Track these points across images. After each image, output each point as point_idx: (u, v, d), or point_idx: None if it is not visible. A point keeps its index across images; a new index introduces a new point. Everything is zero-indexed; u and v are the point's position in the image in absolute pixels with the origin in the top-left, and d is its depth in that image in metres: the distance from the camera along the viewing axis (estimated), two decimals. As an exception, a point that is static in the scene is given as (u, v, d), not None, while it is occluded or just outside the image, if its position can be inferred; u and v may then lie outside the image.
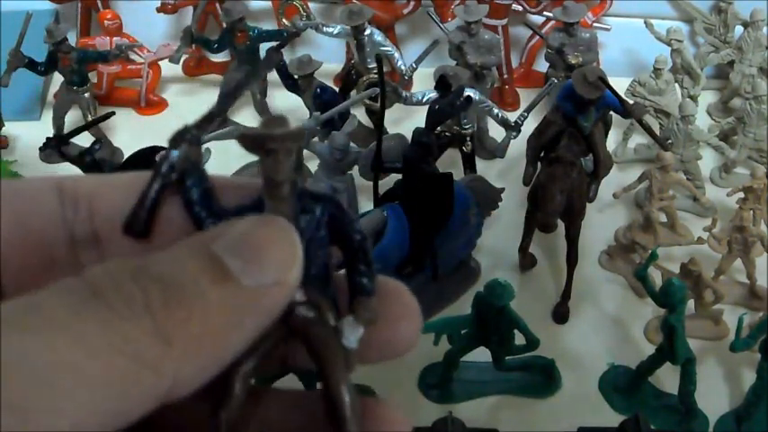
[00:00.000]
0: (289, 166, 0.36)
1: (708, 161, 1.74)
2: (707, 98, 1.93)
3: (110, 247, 0.38)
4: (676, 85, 1.81)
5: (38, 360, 0.29)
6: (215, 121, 0.38)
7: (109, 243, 0.38)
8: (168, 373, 0.31)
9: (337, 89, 1.78)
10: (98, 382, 0.30)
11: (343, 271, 0.39)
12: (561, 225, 1.48)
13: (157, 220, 0.38)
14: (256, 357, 0.36)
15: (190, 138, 0.37)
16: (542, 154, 1.46)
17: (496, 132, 1.71)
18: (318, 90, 1.66)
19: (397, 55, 1.77)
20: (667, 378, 1.34)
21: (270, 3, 1.98)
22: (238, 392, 0.36)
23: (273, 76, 1.83)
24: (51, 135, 1.67)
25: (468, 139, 1.62)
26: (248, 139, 0.35)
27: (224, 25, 1.84)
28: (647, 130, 1.43)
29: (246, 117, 1.94)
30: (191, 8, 1.94)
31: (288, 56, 1.84)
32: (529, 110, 1.58)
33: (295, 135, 0.35)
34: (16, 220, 0.36)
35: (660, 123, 1.74)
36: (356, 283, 0.38)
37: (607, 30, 1.94)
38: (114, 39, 1.86)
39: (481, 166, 1.68)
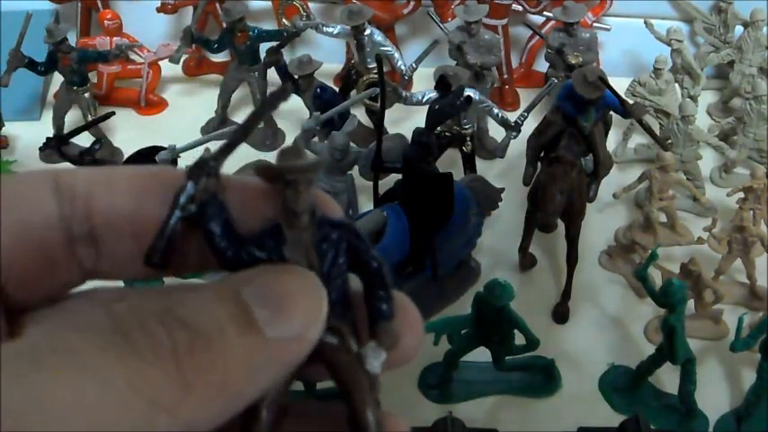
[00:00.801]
0: (308, 196, 0.36)
1: (708, 161, 1.74)
2: (707, 98, 1.93)
3: (107, 247, 0.38)
4: (676, 85, 1.81)
5: (56, 397, 0.29)
6: (232, 152, 0.38)
7: (106, 242, 0.38)
8: (184, 417, 0.31)
9: (337, 89, 1.78)
10: (112, 424, 0.30)
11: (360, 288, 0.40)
12: (561, 225, 1.48)
13: (177, 250, 0.38)
14: (282, 382, 0.37)
15: (208, 169, 0.37)
16: (542, 154, 1.46)
17: (496, 132, 1.71)
18: (318, 90, 1.66)
19: (397, 55, 1.77)
20: (667, 378, 1.34)
21: (270, 3, 1.98)
22: (265, 418, 0.37)
23: (273, 76, 1.83)
24: (51, 135, 1.67)
25: (468, 139, 1.62)
26: (267, 172, 0.36)
27: (224, 25, 1.84)
28: (647, 130, 1.43)
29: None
30: (191, 8, 1.94)
31: (288, 56, 1.84)
32: (529, 110, 1.58)
33: (314, 167, 0.36)
34: (18, 225, 0.36)
35: (660, 123, 1.74)
36: (376, 309, 0.39)
37: (607, 30, 1.94)
38: (114, 39, 1.86)
39: (481, 166, 1.68)
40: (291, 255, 0.37)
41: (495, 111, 1.58)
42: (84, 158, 1.53)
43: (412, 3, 1.95)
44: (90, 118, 1.73)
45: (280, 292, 0.34)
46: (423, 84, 1.70)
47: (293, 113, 1.85)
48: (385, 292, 0.39)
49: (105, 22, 1.87)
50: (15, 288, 0.36)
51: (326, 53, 1.87)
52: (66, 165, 1.49)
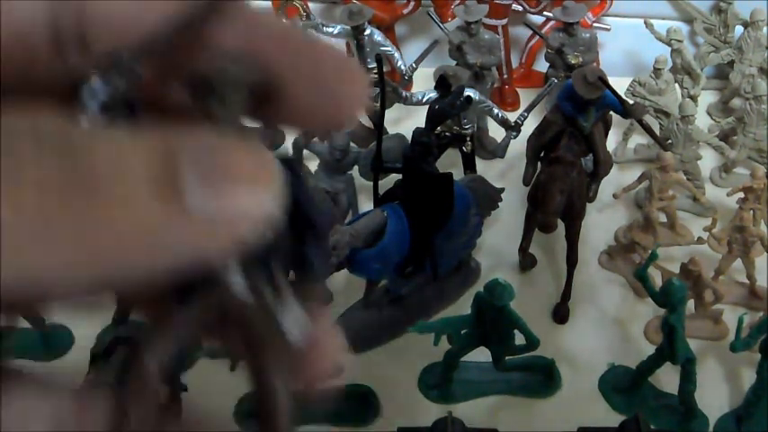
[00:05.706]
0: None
1: (708, 161, 1.74)
2: (707, 98, 1.93)
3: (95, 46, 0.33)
4: (676, 85, 1.81)
5: None
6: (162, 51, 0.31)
7: (95, 44, 0.33)
8: (24, 265, 0.24)
9: (337, 89, 1.78)
10: None
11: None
12: (561, 225, 1.48)
13: None
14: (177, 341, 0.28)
15: (123, 68, 0.29)
16: (542, 154, 1.47)
17: (496, 132, 1.71)
18: (318, 90, 1.66)
19: (397, 55, 1.77)
20: (667, 378, 1.34)
21: (270, 3, 1.98)
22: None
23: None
24: (51, 135, 1.67)
25: (468, 139, 1.62)
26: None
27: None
28: (647, 130, 1.44)
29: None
30: (191, 8, 1.94)
31: (288, 56, 1.84)
32: (529, 110, 1.58)
33: None
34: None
35: (660, 123, 1.75)
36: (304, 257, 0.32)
37: (607, 30, 1.94)
38: (114, 39, 1.86)
39: (481, 166, 1.68)
40: None
41: (495, 111, 1.58)
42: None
43: (412, 3, 1.95)
44: (90, 118, 1.73)
45: (227, 161, 0.26)
46: (423, 84, 1.70)
47: (293, 113, 1.84)
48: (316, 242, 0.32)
49: (105, 22, 1.87)
50: None
51: (326, 53, 1.87)
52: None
